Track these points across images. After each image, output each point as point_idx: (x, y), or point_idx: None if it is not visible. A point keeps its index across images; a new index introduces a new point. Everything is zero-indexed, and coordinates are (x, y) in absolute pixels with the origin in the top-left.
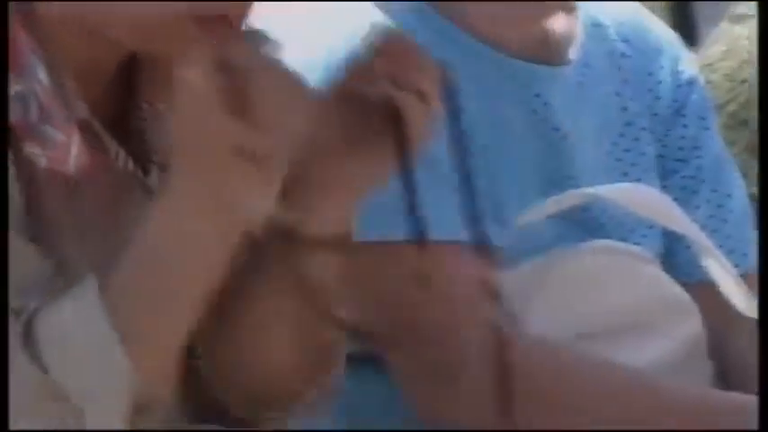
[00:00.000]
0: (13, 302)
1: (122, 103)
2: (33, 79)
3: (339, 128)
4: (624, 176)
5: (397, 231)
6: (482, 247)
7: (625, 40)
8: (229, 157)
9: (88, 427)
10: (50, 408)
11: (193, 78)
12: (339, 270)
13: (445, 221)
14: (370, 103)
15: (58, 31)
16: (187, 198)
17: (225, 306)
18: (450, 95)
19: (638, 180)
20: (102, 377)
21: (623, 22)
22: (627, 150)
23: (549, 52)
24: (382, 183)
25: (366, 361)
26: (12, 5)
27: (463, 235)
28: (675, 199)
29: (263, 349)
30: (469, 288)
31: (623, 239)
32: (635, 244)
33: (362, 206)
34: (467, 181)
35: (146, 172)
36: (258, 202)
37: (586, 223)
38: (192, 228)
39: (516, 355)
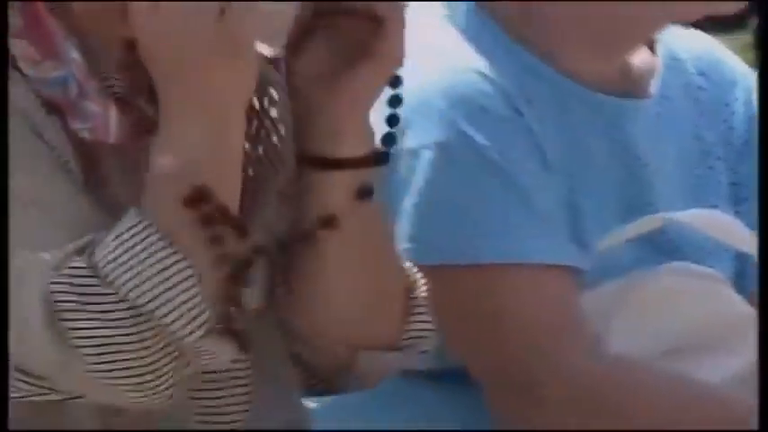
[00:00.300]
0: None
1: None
2: (70, 62)
3: (330, 48)
4: (700, 202)
5: (488, 255)
6: (568, 269)
7: (701, 74)
8: (208, 58)
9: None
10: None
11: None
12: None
13: (536, 247)
14: (353, 15)
15: (88, 16)
16: (179, 103)
17: (302, 256)
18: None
19: (714, 206)
20: (176, 289)
21: (699, 55)
22: (702, 178)
23: (631, 86)
24: (381, 89)
25: (453, 375)
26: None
27: (552, 258)
28: (748, 224)
29: (341, 295)
30: (554, 311)
31: (699, 262)
32: (710, 266)
33: (453, 230)
34: (553, 209)
35: None
36: (243, 87)
37: (664, 246)
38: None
39: (599, 376)
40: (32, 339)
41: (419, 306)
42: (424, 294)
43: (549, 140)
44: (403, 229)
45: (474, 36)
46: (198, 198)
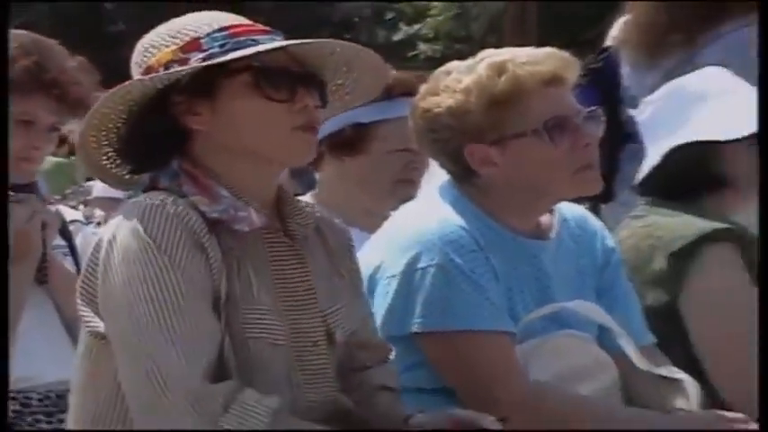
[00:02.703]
0: None
1: (276, 198)
2: (222, 198)
3: None
4: (582, 295)
5: (467, 325)
6: (509, 333)
7: (578, 226)
8: None
9: None
10: None
11: None
12: None
13: (492, 321)
14: None
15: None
16: None
17: None
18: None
19: (586, 298)
20: None
21: (576, 216)
22: (581, 284)
23: (540, 233)
24: None
25: (446, 392)
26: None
27: (500, 327)
28: (605, 308)
29: None
30: (503, 355)
31: (578, 329)
32: (584, 332)
33: (448, 314)
34: (501, 302)
35: (291, 236)
36: None
37: (559, 321)
38: None
39: (529, 392)
40: None
41: None
42: None
43: (496, 264)
44: (415, 311)
45: (452, 203)
46: None
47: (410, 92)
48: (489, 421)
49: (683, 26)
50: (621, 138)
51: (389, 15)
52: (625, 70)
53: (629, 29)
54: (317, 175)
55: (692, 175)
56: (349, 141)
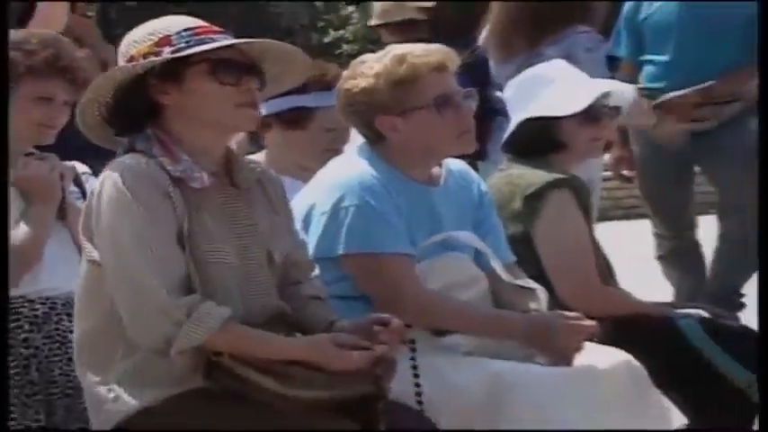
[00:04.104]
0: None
1: (225, 157)
2: (182, 160)
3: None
4: (463, 227)
5: (380, 248)
6: (411, 255)
7: (461, 176)
8: None
9: None
10: None
11: None
12: None
13: (399, 245)
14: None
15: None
16: None
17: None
18: None
19: (465, 229)
20: None
21: (459, 169)
22: (462, 218)
23: (434, 181)
24: None
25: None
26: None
27: (405, 250)
28: (479, 236)
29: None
30: (407, 271)
31: (460, 252)
32: (464, 254)
33: (364, 239)
34: (403, 232)
35: (237, 186)
36: None
37: (447, 245)
38: None
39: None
40: None
41: None
42: None
43: (400, 204)
44: (341, 238)
45: (368, 159)
46: None
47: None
48: (396, 323)
49: (525, 32)
50: (491, 112)
51: (321, 24)
52: (491, 63)
53: (488, 34)
54: (265, 140)
55: (540, 139)
56: (294, 119)
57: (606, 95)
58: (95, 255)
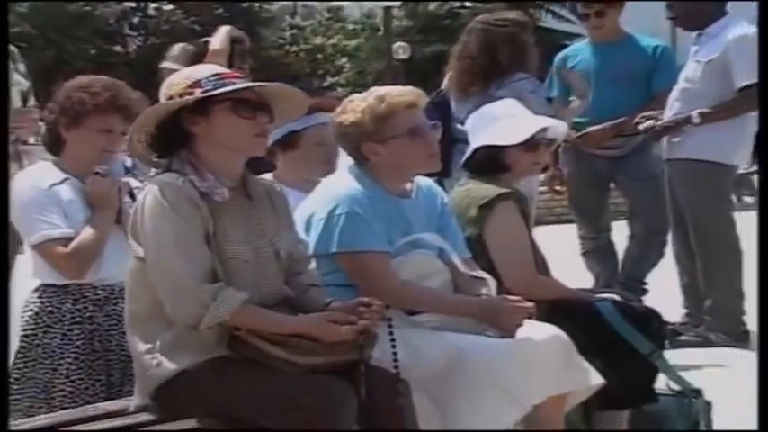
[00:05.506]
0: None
1: (241, 175)
2: (208, 179)
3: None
4: (429, 230)
5: (362, 247)
6: (387, 252)
7: (428, 190)
8: None
9: None
10: None
11: None
12: None
13: (378, 245)
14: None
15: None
16: None
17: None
18: None
19: (431, 231)
20: None
21: (427, 184)
22: (428, 223)
23: (407, 194)
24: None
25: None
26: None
27: (383, 248)
28: (442, 237)
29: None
30: (384, 267)
31: (427, 251)
32: (430, 251)
33: (348, 241)
34: (384, 234)
35: (251, 197)
36: None
37: (416, 245)
38: None
39: (402, 289)
40: None
41: None
42: None
43: (380, 212)
44: (334, 239)
45: (356, 177)
46: None
47: (321, 110)
48: (377, 304)
49: (477, 81)
50: (453, 140)
51: (320, 71)
52: (452, 102)
53: (449, 81)
54: (277, 163)
55: (491, 162)
56: (289, 142)
57: (544, 130)
58: (140, 252)
